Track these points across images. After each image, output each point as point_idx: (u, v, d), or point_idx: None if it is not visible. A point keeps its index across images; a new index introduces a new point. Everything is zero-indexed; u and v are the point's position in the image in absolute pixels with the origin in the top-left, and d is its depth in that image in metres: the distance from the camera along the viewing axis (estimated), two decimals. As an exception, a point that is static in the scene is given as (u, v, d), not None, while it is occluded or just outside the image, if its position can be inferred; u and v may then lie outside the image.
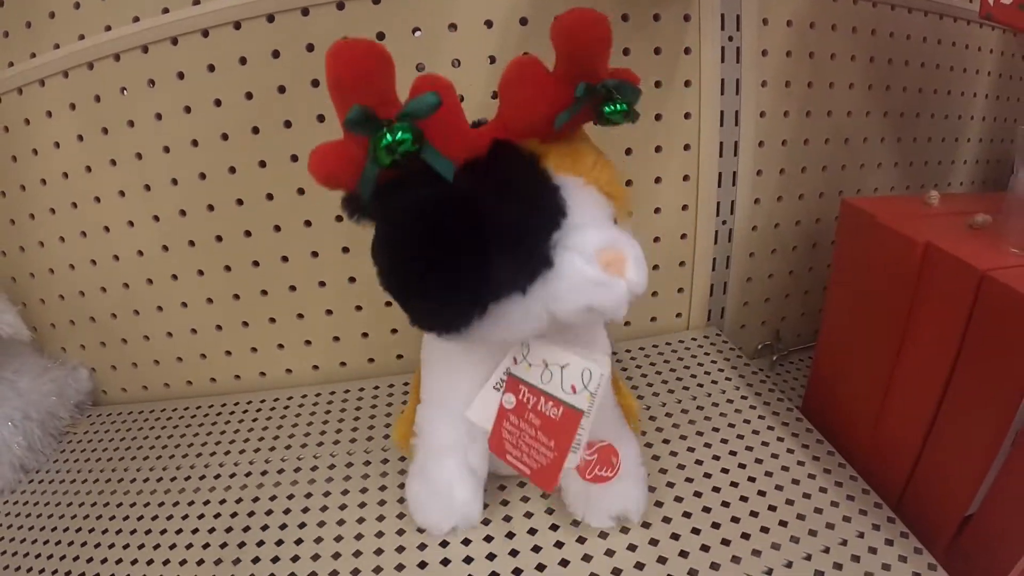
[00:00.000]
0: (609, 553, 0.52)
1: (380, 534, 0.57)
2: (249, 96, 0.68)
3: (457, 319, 0.42)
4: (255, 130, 0.69)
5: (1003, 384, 0.47)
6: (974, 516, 0.53)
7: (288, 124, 0.69)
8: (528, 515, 0.57)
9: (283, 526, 0.59)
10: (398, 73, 0.67)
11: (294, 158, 0.71)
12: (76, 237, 0.76)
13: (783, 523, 0.53)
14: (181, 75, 0.67)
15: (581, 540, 0.54)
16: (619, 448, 0.51)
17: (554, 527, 0.55)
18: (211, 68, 0.67)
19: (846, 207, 0.63)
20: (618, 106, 0.43)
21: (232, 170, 0.71)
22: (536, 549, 0.53)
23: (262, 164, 0.71)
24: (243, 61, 0.67)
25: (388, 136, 0.37)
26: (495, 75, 0.67)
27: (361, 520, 0.58)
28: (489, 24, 0.67)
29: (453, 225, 0.39)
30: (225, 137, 0.70)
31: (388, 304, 0.79)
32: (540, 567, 0.51)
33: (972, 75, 0.87)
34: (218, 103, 0.68)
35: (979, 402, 0.50)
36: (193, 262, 0.77)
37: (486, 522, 0.56)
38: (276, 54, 0.66)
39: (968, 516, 0.53)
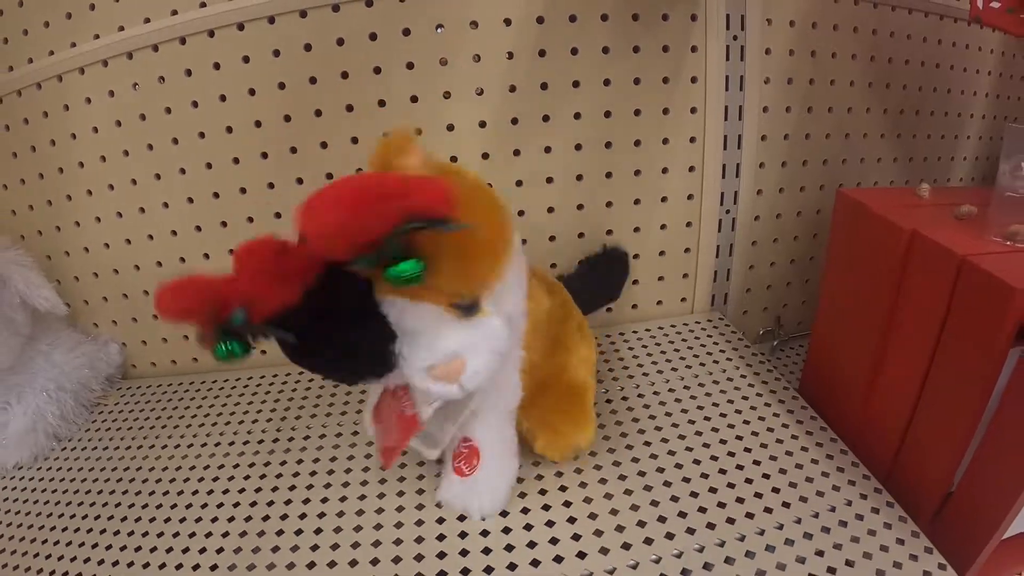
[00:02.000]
0: (613, 512, 0.56)
1: (401, 492, 0.61)
2: (282, 86, 0.71)
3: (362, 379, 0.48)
4: (287, 118, 0.73)
5: (979, 365, 0.49)
6: (954, 492, 0.55)
7: (319, 113, 0.72)
8: (542, 491, 0.60)
9: (310, 486, 0.63)
10: (424, 67, 0.71)
11: (323, 145, 0.74)
12: (112, 217, 0.79)
13: (776, 490, 0.57)
14: (217, 66, 0.70)
15: (587, 500, 0.58)
16: (483, 454, 0.57)
17: (563, 487, 0.59)
18: (246, 59, 0.70)
19: (841, 197, 0.65)
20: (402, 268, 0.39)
21: (264, 155, 0.75)
22: (550, 524, 0.56)
23: (293, 150, 0.74)
24: (276, 53, 0.70)
25: (223, 348, 0.39)
26: (513, 71, 0.71)
27: (383, 480, 0.62)
28: (508, 22, 0.70)
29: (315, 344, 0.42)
30: (258, 124, 0.73)
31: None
32: (554, 541, 0.54)
33: (972, 74, 0.89)
34: (252, 92, 0.71)
35: (958, 383, 0.52)
36: (225, 241, 0.80)
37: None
38: (308, 47, 0.69)
39: (950, 493, 0.56)
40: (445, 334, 0.45)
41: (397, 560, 0.54)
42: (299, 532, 0.57)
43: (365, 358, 0.45)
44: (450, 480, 0.58)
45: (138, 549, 0.57)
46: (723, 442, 0.63)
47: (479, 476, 0.57)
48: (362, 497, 0.61)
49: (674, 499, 0.57)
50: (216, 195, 0.77)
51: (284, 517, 0.59)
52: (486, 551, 0.54)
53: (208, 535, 0.58)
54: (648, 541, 0.53)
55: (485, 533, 0.56)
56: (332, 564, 0.54)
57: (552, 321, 0.61)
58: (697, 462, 0.61)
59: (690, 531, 0.53)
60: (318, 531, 0.57)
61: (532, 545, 0.54)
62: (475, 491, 0.57)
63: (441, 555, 0.54)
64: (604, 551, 0.52)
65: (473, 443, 0.57)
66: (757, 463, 0.60)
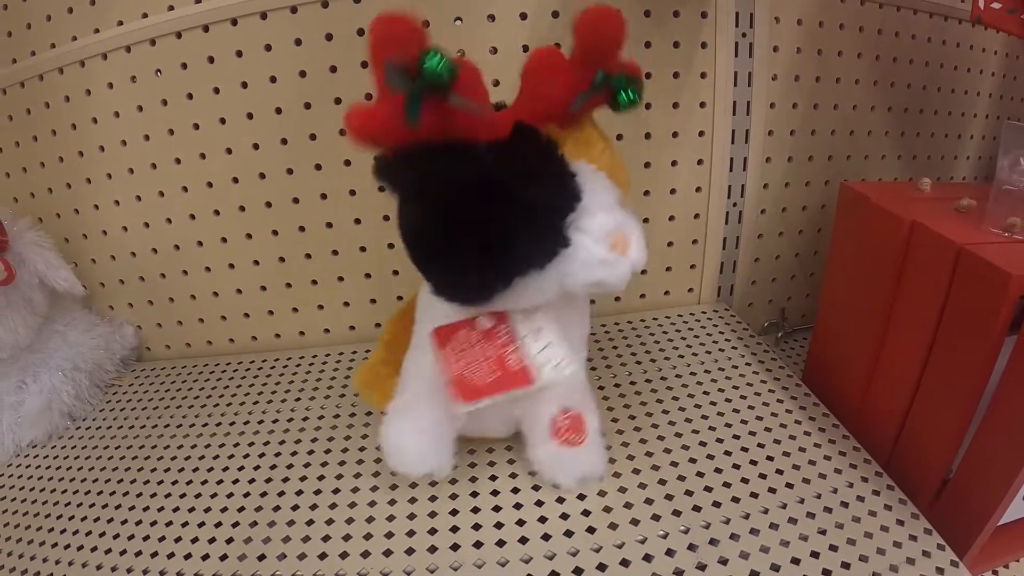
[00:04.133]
0: (622, 490, 0.58)
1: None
2: (303, 74, 0.73)
3: (482, 292, 0.45)
4: (307, 105, 0.74)
5: (977, 351, 0.50)
6: (952, 478, 0.57)
7: (338, 101, 0.74)
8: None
9: (324, 463, 0.64)
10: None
11: (343, 132, 0.74)
12: (131, 201, 0.81)
13: (779, 471, 0.59)
14: (239, 53, 0.72)
15: (602, 493, 0.58)
16: (586, 418, 0.57)
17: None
18: (268, 48, 0.72)
19: (844, 190, 0.67)
20: (631, 95, 0.49)
21: (284, 141, 0.76)
22: (560, 500, 0.58)
23: (312, 137, 0.76)
24: (298, 42, 0.71)
25: (430, 60, 0.38)
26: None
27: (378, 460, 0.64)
28: (524, 16, 0.72)
29: (484, 203, 0.42)
30: (279, 111, 0.74)
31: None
32: (564, 516, 0.56)
33: (976, 74, 0.91)
34: (273, 80, 0.73)
35: (956, 370, 0.53)
36: (243, 226, 0.81)
37: (473, 479, 0.61)
38: (329, 37, 0.71)
39: (948, 478, 0.57)
40: (616, 208, 0.47)
41: (411, 533, 0.55)
42: (314, 507, 0.59)
43: (547, 219, 0.44)
44: (559, 456, 0.57)
45: (153, 523, 0.58)
46: (728, 426, 0.65)
47: (588, 444, 0.56)
48: (376, 474, 0.62)
49: (681, 479, 0.58)
50: (235, 180, 0.78)
51: (299, 493, 0.60)
52: (453, 512, 0.57)
53: (223, 509, 0.59)
54: (656, 518, 0.54)
55: (454, 496, 0.58)
56: (347, 537, 0.55)
57: None
58: (703, 444, 0.63)
59: (696, 508, 0.55)
60: (333, 506, 0.59)
61: (543, 520, 0.55)
62: (593, 454, 0.57)
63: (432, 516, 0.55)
64: (613, 526, 0.54)
65: (573, 411, 0.56)
66: (761, 446, 0.62)
